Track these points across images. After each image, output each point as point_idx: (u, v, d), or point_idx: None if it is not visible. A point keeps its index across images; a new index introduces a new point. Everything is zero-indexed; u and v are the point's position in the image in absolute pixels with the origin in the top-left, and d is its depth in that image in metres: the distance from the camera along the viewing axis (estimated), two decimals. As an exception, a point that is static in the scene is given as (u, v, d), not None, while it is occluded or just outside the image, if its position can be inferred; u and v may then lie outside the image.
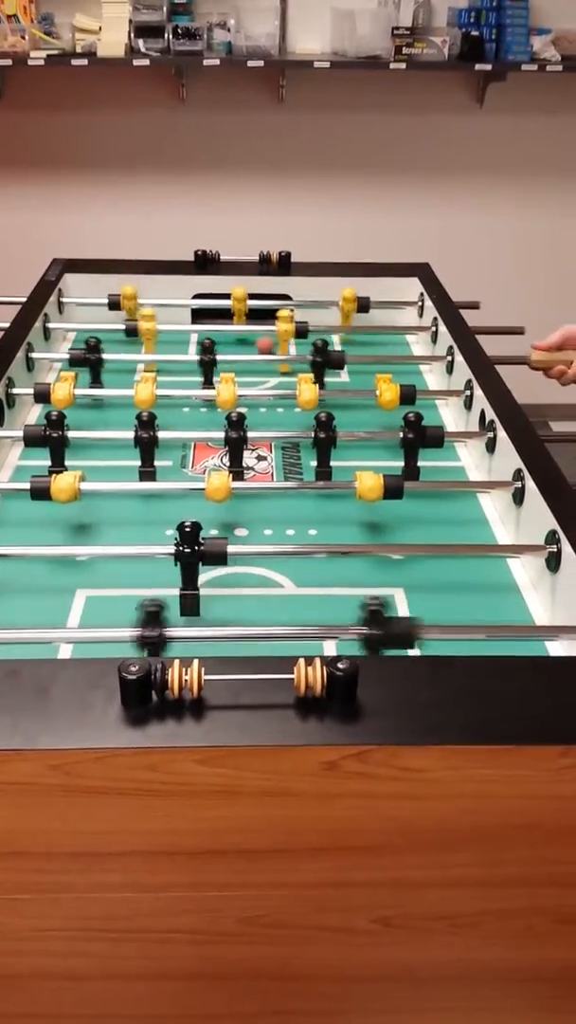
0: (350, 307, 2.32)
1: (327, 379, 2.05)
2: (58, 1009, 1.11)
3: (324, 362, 2.04)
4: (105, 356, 2.05)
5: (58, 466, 1.67)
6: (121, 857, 1.00)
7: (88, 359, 2.03)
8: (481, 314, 2.38)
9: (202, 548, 1.32)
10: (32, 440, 1.68)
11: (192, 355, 2.23)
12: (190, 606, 1.33)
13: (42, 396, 1.84)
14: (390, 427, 1.78)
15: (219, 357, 2.05)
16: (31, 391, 1.90)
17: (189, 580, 1.33)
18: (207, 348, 2.03)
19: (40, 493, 1.48)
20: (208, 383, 2.01)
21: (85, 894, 1.02)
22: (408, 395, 1.84)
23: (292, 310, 2.20)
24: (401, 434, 1.68)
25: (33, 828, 0.98)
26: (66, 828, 0.98)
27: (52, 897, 1.02)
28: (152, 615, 1.13)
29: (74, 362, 2.04)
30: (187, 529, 1.32)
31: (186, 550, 1.31)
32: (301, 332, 2.17)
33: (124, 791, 0.96)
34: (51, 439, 1.67)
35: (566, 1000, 1.11)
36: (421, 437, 1.67)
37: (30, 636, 1.22)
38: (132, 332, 2.19)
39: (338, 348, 2.31)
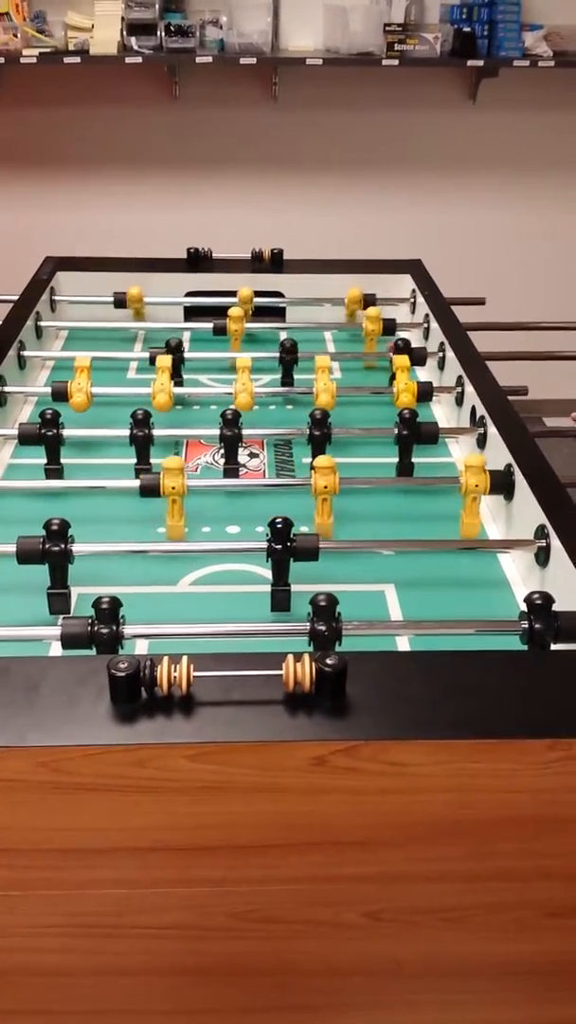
0: (355, 307, 2.33)
1: (302, 376, 2.06)
2: (50, 1005, 1.12)
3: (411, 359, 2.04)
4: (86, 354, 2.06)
5: (54, 464, 1.68)
6: (111, 853, 1.01)
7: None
8: (476, 308, 2.38)
9: (294, 544, 1.32)
10: (27, 438, 1.68)
11: (185, 352, 2.24)
12: (281, 601, 1.33)
13: (59, 395, 1.84)
14: (381, 424, 1.79)
15: (217, 355, 2.06)
16: (23, 389, 1.90)
17: (279, 576, 1.33)
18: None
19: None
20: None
21: (75, 890, 1.03)
22: (425, 392, 1.86)
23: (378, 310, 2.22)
24: (396, 430, 1.68)
25: (23, 825, 0.99)
26: (56, 825, 0.99)
27: (42, 894, 1.03)
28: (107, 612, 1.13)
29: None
30: (278, 526, 1.32)
31: (277, 546, 1.32)
32: (389, 329, 2.19)
33: (114, 788, 0.96)
34: (46, 437, 1.67)
35: (555, 991, 1.11)
36: (416, 433, 1.68)
37: (22, 634, 1.23)
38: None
39: (330, 347, 2.32)
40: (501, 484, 1.54)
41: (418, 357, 2.06)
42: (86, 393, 1.81)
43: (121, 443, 1.69)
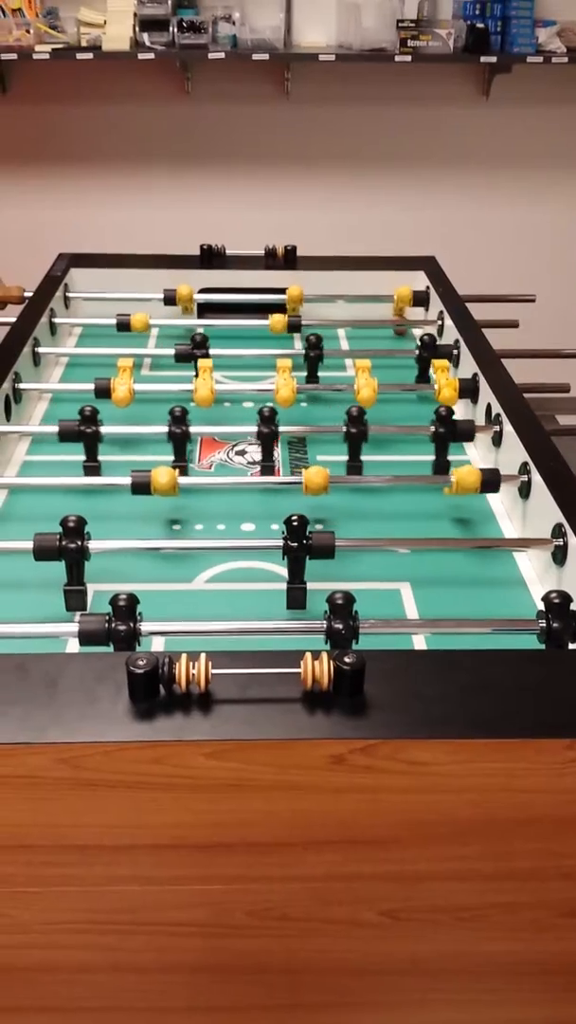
0: (404, 304, 2.35)
1: (321, 373, 2.06)
2: (68, 1002, 1.12)
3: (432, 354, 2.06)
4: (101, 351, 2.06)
5: (92, 461, 1.68)
6: (129, 850, 1.01)
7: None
8: (491, 307, 2.37)
9: (310, 542, 1.32)
10: (67, 435, 1.68)
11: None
12: (297, 599, 1.33)
13: (103, 392, 1.84)
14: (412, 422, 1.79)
15: (223, 352, 2.05)
16: (38, 386, 1.90)
17: (296, 574, 1.33)
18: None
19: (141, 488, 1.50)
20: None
21: (94, 887, 1.03)
22: (468, 389, 1.88)
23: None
24: (433, 428, 1.68)
25: (41, 821, 0.99)
26: (74, 821, 0.99)
27: (61, 890, 1.03)
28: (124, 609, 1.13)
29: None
30: (294, 523, 1.32)
31: (293, 544, 1.31)
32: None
33: (132, 784, 0.97)
34: (85, 434, 1.67)
35: (572, 991, 1.11)
36: (452, 431, 1.68)
37: (39, 630, 1.23)
38: (124, 327, 2.20)
39: (344, 344, 2.32)
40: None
41: (443, 354, 2.06)
42: (129, 389, 1.82)
43: (144, 439, 1.69)
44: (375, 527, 1.57)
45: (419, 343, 2.08)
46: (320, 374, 2.05)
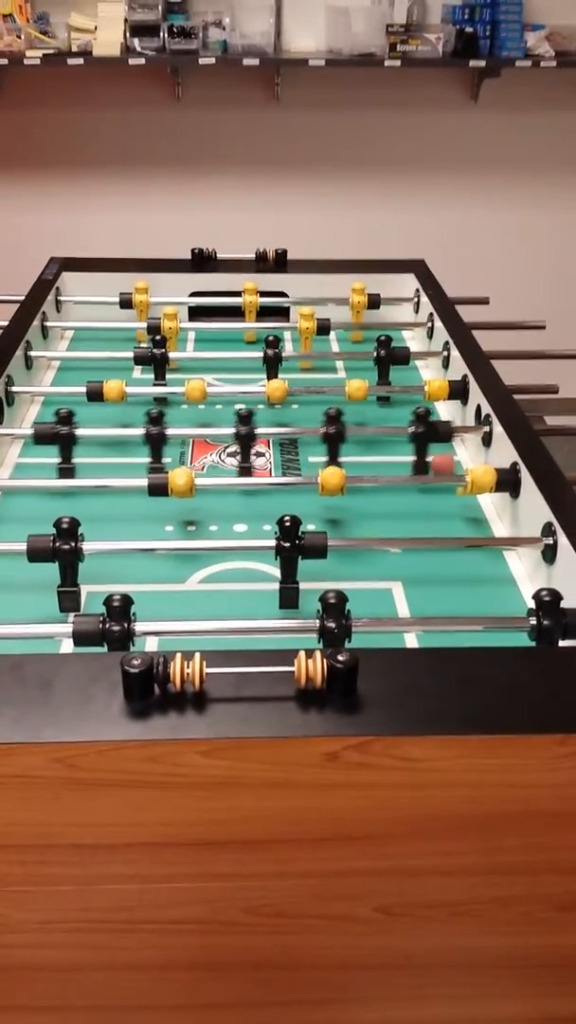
0: (360, 300, 2.33)
1: (313, 376, 2.07)
2: (63, 1001, 1.12)
3: (388, 357, 2.05)
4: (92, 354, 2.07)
5: (67, 462, 1.68)
6: (125, 849, 1.01)
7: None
8: (479, 309, 2.39)
9: (302, 542, 1.33)
10: (42, 437, 1.69)
11: (190, 351, 2.25)
12: (289, 599, 1.34)
13: (94, 395, 1.86)
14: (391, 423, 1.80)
15: (218, 355, 2.07)
16: (30, 389, 1.91)
17: (288, 574, 1.34)
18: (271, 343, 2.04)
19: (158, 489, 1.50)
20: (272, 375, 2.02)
21: (89, 886, 1.03)
22: (458, 390, 1.89)
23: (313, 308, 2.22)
24: (411, 429, 1.69)
25: (37, 820, 0.99)
26: (69, 820, 0.99)
27: (56, 889, 1.03)
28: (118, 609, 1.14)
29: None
30: (287, 524, 1.33)
31: (286, 544, 1.32)
32: (323, 329, 2.19)
33: (127, 783, 0.97)
34: (61, 436, 1.67)
35: (565, 985, 1.12)
36: (432, 432, 1.69)
37: (34, 631, 1.23)
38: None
39: (335, 347, 2.33)
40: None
41: (400, 357, 2.06)
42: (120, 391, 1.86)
43: (133, 442, 1.71)
44: (365, 527, 1.58)
45: (376, 342, 2.08)
46: (312, 376, 2.06)
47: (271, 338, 2.04)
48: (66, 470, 1.69)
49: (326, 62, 3.79)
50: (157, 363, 2.01)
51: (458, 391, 1.89)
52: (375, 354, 2.05)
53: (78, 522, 1.34)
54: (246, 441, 1.68)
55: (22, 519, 1.56)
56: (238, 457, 1.72)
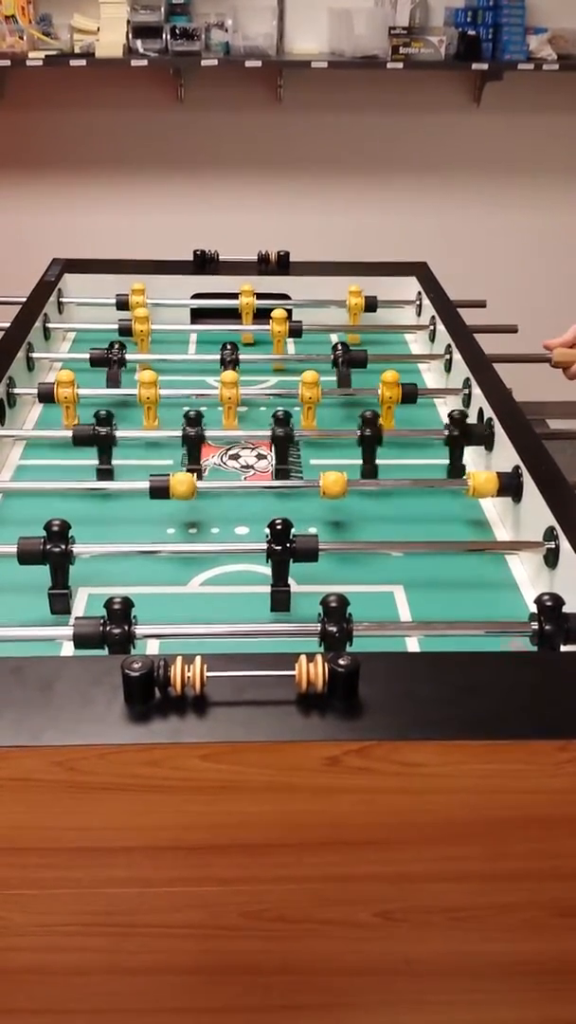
0: (357, 302, 2.32)
1: (323, 378, 2.06)
2: (63, 1004, 1.12)
3: (347, 360, 2.03)
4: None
5: (106, 464, 1.68)
6: (125, 852, 1.01)
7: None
8: (481, 312, 2.38)
9: (293, 545, 1.33)
10: (81, 439, 1.68)
11: (191, 354, 2.25)
12: (280, 602, 1.34)
13: (46, 396, 1.85)
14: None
15: (216, 357, 2.06)
16: (33, 391, 1.91)
17: (280, 577, 1.34)
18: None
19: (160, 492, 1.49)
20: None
21: (89, 889, 1.03)
22: (409, 394, 1.85)
23: (288, 310, 2.21)
24: (447, 432, 1.68)
25: (37, 824, 0.99)
26: (70, 824, 0.99)
27: (56, 893, 1.03)
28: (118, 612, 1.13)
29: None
30: (278, 527, 1.32)
31: (277, 547, 1.32)
32: (295, 332, 2.18)
33: (127, 787, 0.97)
34: (99, 437, 1.67)
35: (567, 991, 1.12)
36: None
37: (34, 634, 1.23)
38: (126, 332, 2.20)
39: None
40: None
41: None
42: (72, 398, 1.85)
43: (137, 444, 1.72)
44: (369, 530, 1.58)
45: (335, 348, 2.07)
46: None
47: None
48: (104, 471, 1.68)
49: (328, 64, 3.80)
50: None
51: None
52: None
53: (68, 524, 1.34)
54: (282, 443, 1.68)
55: (22, 521, 1.55)
56: (240, 460, 1.71)
